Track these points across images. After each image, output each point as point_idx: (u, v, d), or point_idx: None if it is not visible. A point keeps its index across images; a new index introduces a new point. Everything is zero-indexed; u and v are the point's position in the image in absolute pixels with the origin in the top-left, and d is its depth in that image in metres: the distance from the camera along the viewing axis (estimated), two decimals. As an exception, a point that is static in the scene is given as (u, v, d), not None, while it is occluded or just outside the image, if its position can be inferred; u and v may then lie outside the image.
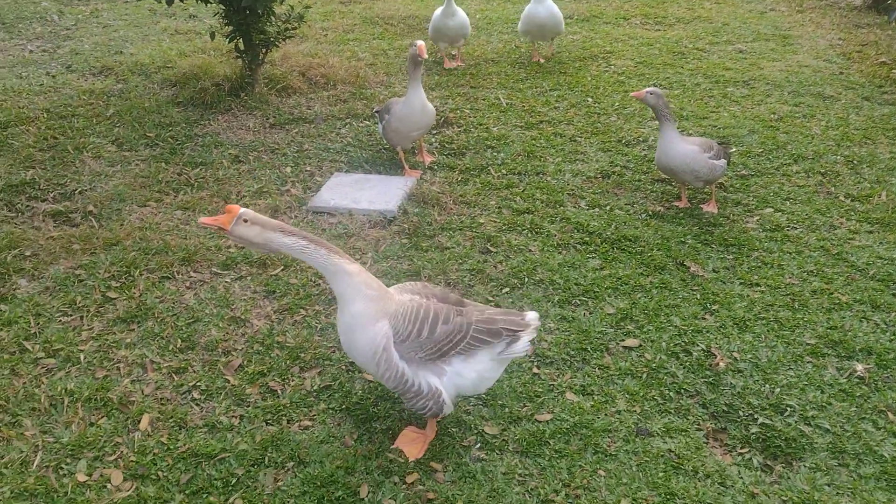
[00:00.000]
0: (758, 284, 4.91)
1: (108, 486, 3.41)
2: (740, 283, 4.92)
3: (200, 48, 8.90)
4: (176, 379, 4.04)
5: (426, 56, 5.83)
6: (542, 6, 8.40)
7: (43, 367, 4.08)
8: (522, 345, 3.48)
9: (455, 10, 8.33)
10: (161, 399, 3.91)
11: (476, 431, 3.75)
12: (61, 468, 3.50)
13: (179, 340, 4.30)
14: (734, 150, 5.91)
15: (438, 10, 8.38)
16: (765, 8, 11.10)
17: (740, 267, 5.09)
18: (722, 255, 5.22)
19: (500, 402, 3.93)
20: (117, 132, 6.69)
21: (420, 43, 5.75)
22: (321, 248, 3.20)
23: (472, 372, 3.43)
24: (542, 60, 8.87)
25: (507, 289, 4.82)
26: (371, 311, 3.28)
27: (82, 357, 4.15)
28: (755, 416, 3.86)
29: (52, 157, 6.18)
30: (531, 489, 3.46)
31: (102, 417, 3.77)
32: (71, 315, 4.48)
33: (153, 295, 4.66)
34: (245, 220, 3.14)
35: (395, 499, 3.37)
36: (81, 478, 3.44)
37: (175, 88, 7.70)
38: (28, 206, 5.58)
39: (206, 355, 4.21)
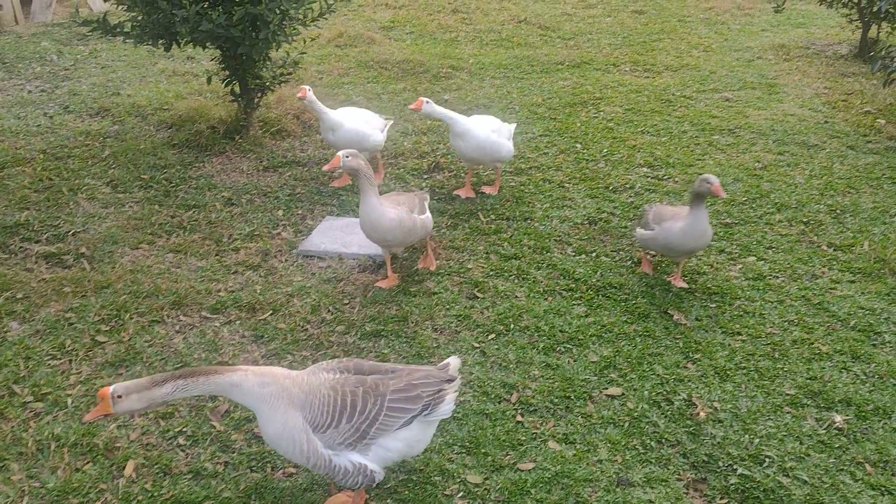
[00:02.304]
0: (739, 333, 4.99)
1: (92, 533, 3.43)
2: (722, 332, 5.00)
3: (197, 90, 9.05)
4: (162, 424, 4.08)
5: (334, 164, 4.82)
6: (464, 140, 6.38)
7: (31, 411, 4.12)
8: (447, 406, 3.44)
9: (337, 124, 6.56)
10: (146, 445, 3.94)
11: (458, 480, 3.79)
12: (45, 515, 3.52)
13: (167, 385, 4.34)
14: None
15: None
16: (752, 56, 11.34)
17: (722, 316, 5.17)
18: (705, 304, 5.30)
19: (483, 450, 3.97)
20: (112, 174, 6.79)
21: (338, 154, 4.83)
22: (199, 377, 3.15)
23: (399, 442, 3.38)
24: (487, 191, 6.83)
25: (493, 335, 4.89)
26: (278, 409, 3.21)
27: (70, 401, 4.19)
28: (734, 467, 3.91)
29: (47, 199, 6.26)
30: (512, 539, 3.49)
31: (88, 463, 3.80)
32: (60, 359, 4.53)
33: (142, 339, 4.71)
34: (119, 396, 3.09)
35: (377, 548, 3.40)
36: (65, 524, 3.46)
37: (171, 130, 7.83)
38: (21, 247, 5.64)
39: (192, 401, 4.25)
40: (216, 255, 5.70)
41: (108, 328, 4.80)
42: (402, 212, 5.11)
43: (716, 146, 8.01)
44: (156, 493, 3.64)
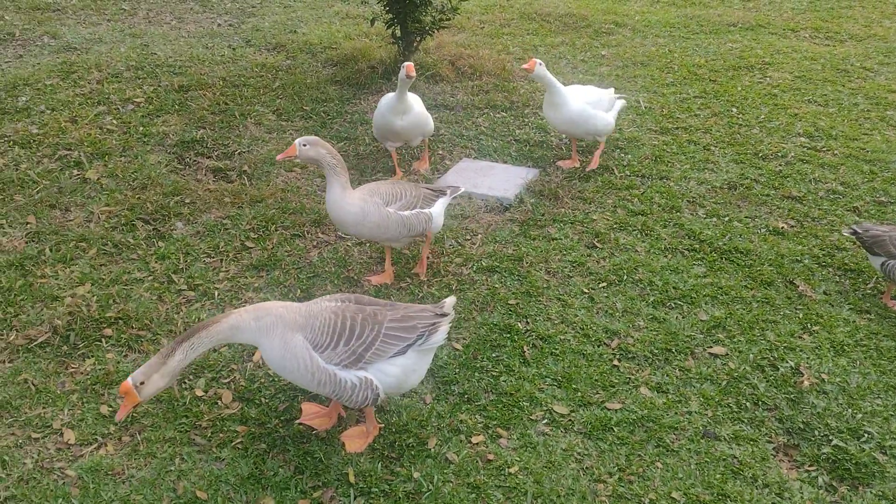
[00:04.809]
0: (868, 312, 4.77)
1: (220, 402, 3.96)
2: (849, 309, 4.80)
3: (364, 32, 9.55)
4: (289, 323, 4.56)
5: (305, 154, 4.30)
6: (555, 111, 6.14)
7: (184, 298, 4.74)
8: (439, 336, 3.57)
9: (409, 107, 5.92)
10: (274, 338, 4.43)
11: (545, 408, 3.99)
12: (184, 382, 4.09)
13: (299, 290, 4.83)
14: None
15: (383, 101, 6.01)
16: (954, 29, 10.29)
17: (854, 293, 4.96)
18: (838, 279, 5.09)
19: (574, 386, 4.13)
20: (279, 103, 7.40)
21: (294, 142, 4.31)
22: (200, 332, 3.30)
23: (395, 367, 3.52)
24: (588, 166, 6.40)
25: (605, 284, 4.98)
26: (280, 336, 3.38)
27: (217, 294, 4.77)
28: (830, 438, 3.83)
29: (221, 121, 6.96)
30: (586, 468, 3.66)
31: (224, 346, 4.35)
32: (213, 257, 5.13)
33: (283, 249, 5.23)
34: (142, 383, 3.21)
35: (459, 453, 3.69)
36: (199, 392, 4.02)
37: (335, 68, 8.36)
38: (195, 160, 6.35)
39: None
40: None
41: (256, 236, 5.36)
42: (370, 204, 4.54)
43: (888, 122, 7.46)
44: (276, 379, 4.12)
